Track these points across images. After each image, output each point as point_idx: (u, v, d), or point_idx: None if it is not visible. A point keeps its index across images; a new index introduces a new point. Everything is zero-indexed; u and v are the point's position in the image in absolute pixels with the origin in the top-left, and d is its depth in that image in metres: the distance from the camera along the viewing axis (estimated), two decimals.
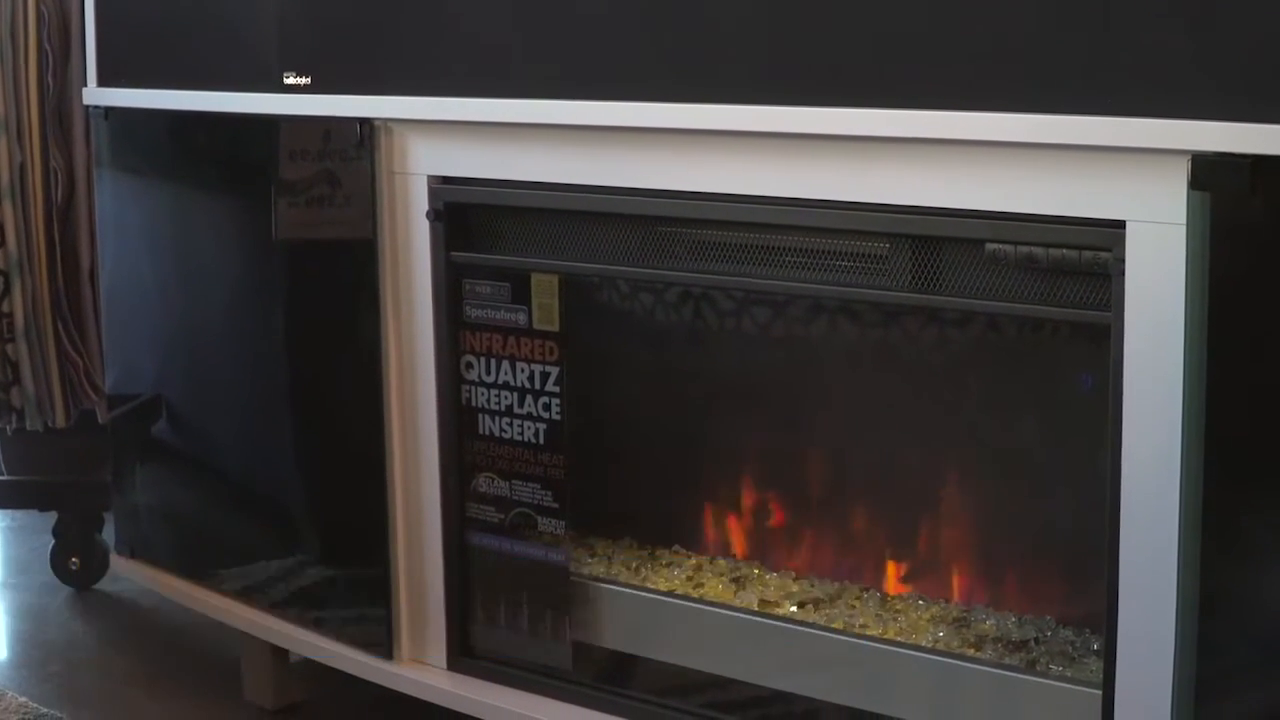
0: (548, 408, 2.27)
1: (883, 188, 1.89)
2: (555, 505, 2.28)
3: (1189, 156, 1.63)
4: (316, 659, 2.56)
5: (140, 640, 3.05)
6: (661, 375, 2.40)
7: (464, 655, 2.38)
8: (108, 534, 3.11)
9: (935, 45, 1.81)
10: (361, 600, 2.48)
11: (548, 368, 2.26)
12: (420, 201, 2.31)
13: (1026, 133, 1.75)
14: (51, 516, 3.32)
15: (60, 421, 3.17)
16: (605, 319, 2.39)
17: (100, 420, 3.14)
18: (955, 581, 2.19)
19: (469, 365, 2.32)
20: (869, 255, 1.94)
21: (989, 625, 2.10)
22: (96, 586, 3.29)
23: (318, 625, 2.54)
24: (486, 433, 2.32)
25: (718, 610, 2.21)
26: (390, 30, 2.28)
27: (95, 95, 2.78)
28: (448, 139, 2.28)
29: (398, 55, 2.28)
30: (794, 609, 2.21)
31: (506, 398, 2.30)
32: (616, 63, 2.07)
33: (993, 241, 1.83)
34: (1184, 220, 1.65)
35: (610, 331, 2.40)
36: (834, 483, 2.31)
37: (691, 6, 2.00)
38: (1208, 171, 1.62)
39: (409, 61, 2.27)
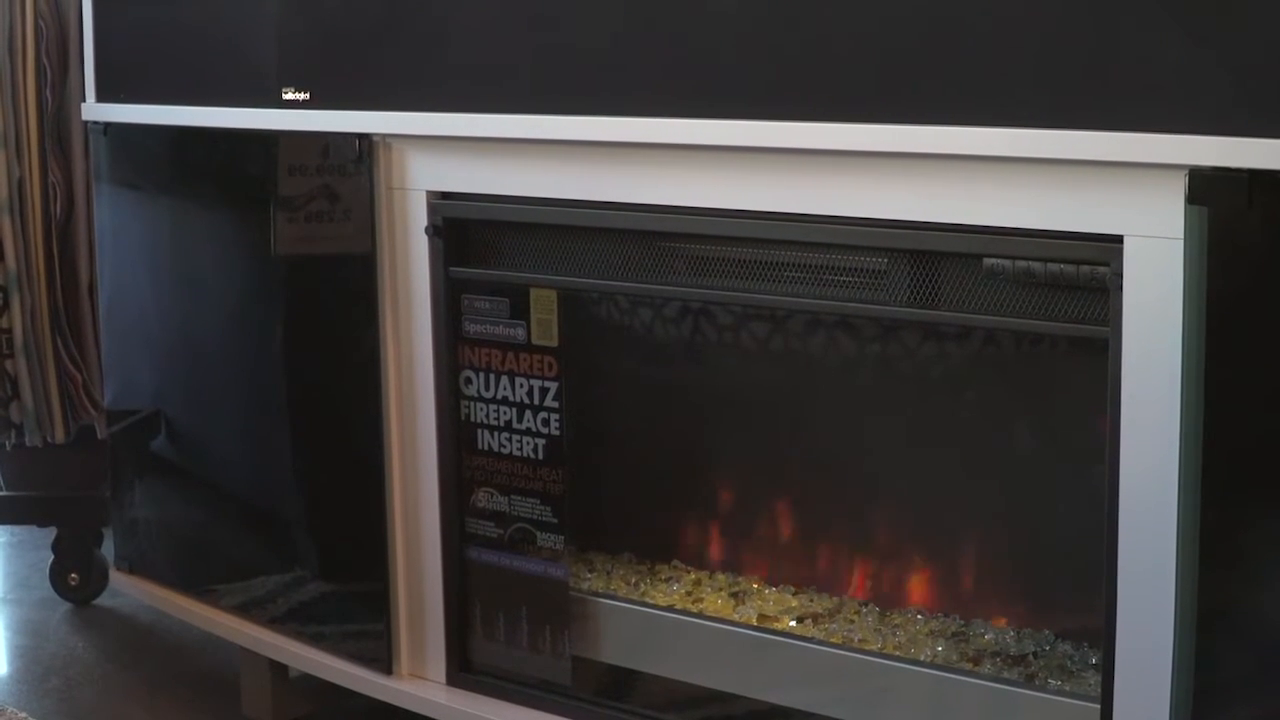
0: (546, 423, 2.27)
1: (880, 203, 1.89)
2: (554, 520, 2.28)
3: (1186, 171, 1.63)
4: (315, 674, 2.56)
5: (139, 655, 3.05)
6: (660, 390, 2.41)
7: (463, 670, 2.38)
8: (107, 549, 3.11)
9: (933, 61, 1.81)
10: (360, 615, 2.48)
11: (546, 383, 2.26)
12: (419, 217, 2.31)
13: (1024, 148, 1.75)
14: (51, 532, 3.32)
15: (59, 437, 3.18)
16: (604, 334, 2.40)
17: (99, 435, 3.14)
18: (954, 595, 2.19)
19: (468, 380, 2.33)
20: (867, 270, 1.94)
21: (988, 639, 2.10)
22: (96, 602, 3.29)
23: (317, 640, 2.54)
24: (485, 448, 2.32)
25: (717, 625, 2.21)
26: (389, 46, 2.29)
27: (94, 110, 2.78)
28: (447, 154, 2.28)
29: (397, 71, 2.29)
30: (793, 624, 2.21)
31: (505, 413, 2.30)
32: (615, 78, 2.08)
33: (990, 256, 1.83)
34: (1181, 235, 1.66)
35: (609, 346, 2.40)
36: (832, 497, 2.31)
37: (690, 23, 2.00)
38: (1205, 186, 1.63)
39: (408, 77, 2.28)
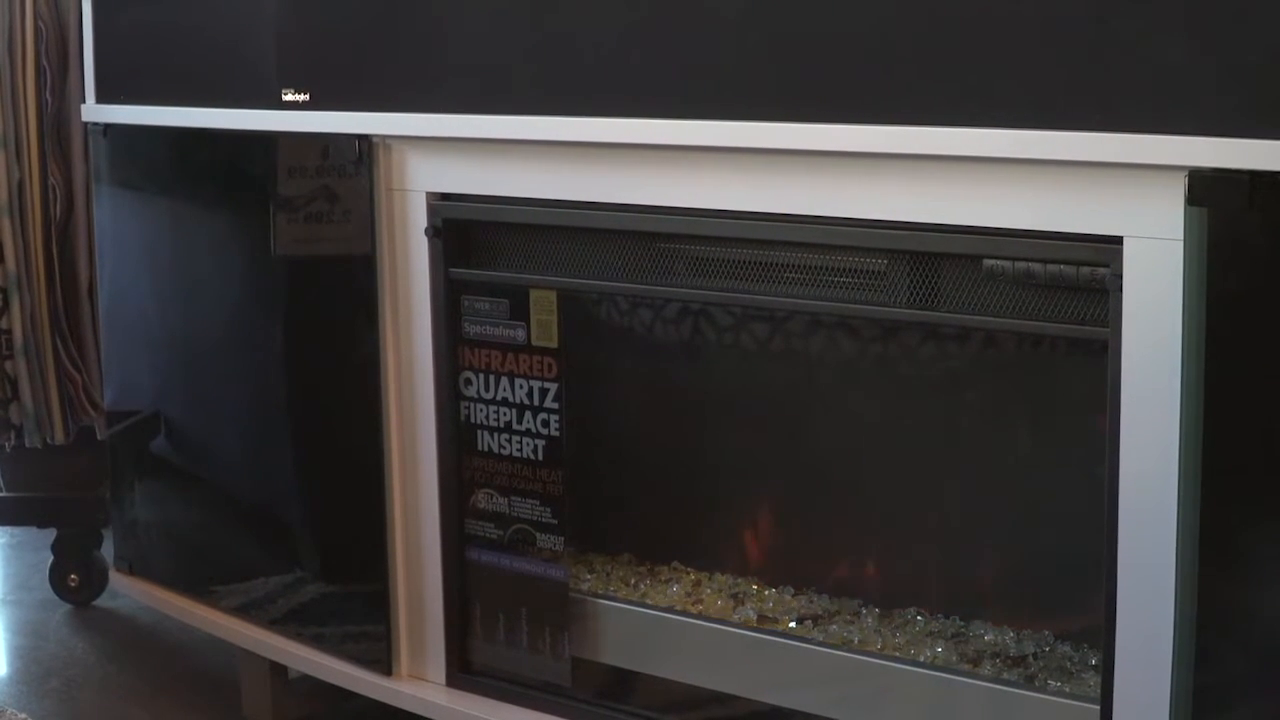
0: (546, 424, 2.27)
1: (880, 204, 1.89)
2: (554, 521, 2.28)
3: (1186, 172, 1.63)
4: (315, 675, 2.56)
5: (139, 656, 3.05)
6: (660, 391, 2.41)
7: (463, 671, 2.38)
8: (106, 550, 3.11)
9: (932, 61, 1.81)
10: (360, 616, 2.47)
11: (546, 384, 2.26)
12: (419, 218, 2.31)
13: (1024, 148, 1.75)
14: (50, 533, 3.32)
15: (59, 438, 3.18)
16: (604, 335, 2.40)
17: (99, 437, 3.14)
18: (954, 596, 2.19)
19: (468, 381, 2.33)
20: (867, 271, 1.94)
21: (987, 640, 2.10)
22: (95, 603, 3.28)
23: (316, 641, 2.54)
24: (485, 449, 2.32)
25: (716, 626, 2.21)
26: (389, 47, 2.29)
27: (94, 112, 2.78)
28: (446, 155, 2.28)
29: (396, 72, 2.29)
30: (792, 624, 2.21)
31: (505, 414, 2.30)
32: (615, 79, 2.08)
33: (990, 257, 1.83)
34: (1181, 236, 1.66)
35: (609, 347, 2.40)
36: (832, 498, 2.31)
37: (689, 24, 2.00)
38: (1205, 187, 1.63)
39: (408, 78, 2.28)
